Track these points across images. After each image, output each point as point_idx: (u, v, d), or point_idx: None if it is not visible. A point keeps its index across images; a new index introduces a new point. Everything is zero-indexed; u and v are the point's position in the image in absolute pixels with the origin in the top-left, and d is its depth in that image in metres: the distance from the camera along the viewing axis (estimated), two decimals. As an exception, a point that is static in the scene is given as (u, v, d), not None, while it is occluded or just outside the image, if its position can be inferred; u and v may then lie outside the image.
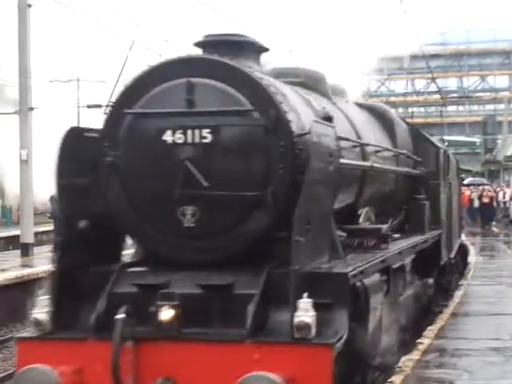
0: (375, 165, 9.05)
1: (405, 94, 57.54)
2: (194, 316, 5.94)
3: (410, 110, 53.78)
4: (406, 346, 9.20)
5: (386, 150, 10.17)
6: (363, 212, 8.77)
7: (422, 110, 57.49)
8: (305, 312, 5.69)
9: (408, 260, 9.29)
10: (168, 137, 6.46)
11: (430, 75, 39.12)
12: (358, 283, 6.46)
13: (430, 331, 10.05)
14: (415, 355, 8.66)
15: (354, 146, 8.48)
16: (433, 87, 49.07)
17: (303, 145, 6.36)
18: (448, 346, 9.16)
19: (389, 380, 7.62)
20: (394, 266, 8.27)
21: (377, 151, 9.57)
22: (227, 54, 6.79)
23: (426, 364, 8.31)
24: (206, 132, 6.39)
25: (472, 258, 19.91)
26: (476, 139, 54.15)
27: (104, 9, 38.80)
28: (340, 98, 9.58)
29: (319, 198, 6.43)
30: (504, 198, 36.56)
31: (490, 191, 37.41)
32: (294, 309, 5.70)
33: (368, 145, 9.03)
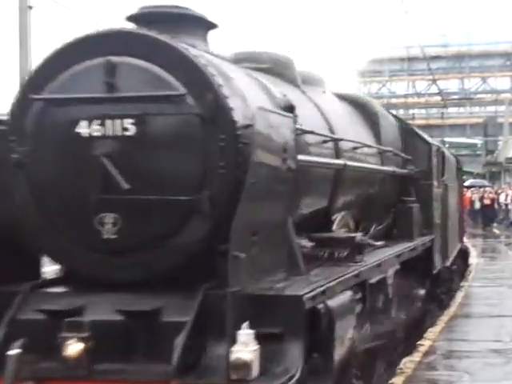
0: (350, 163, 7.77)
1: (406, 96, 57.62)
2: (111, 349, 4.75)
3: (410, 111, 53.90)
4: (392, 368, 8.32)
5: (366, 146, 8.90)
6: (337, 218, 7.67)
7: (423, 111, 57.45)
8: (244, 346, 4.52)
9: (391, 272, 7.99)
10: (83, 129, 5.29)
11: (431, 77, 39.13)
12: (320, 305, 5.23)
13: (431, 333, 10.06)
14: (416, 357, 8.67)
15: (325, 141, 7.28)
16: (434, 89, 49.11)
17: (250, 138, 5.19)
18: (449, 348, 9.17)
19: (390, 381, 7.62)
20: (372, 281, 7.03)
21: (355, 148, 8.38)
22: (167, 30, 5.61)
23: (426, 365, 8.32)
24: (128, 123, 5.25)
25: (473, 259, 19.92)
26: (477, 141, 54.14)
27: (103, 9, 38.92)
28: (314, 87, 8.42)
29: (269, 203, 5.28)
30: (506, 200, 36.53)
31: (491, 193, 37.43)
32: (232, 342, 4.54)
33: (341, 140, 7.75)
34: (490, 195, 36.79)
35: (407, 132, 11.45)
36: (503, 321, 10.84)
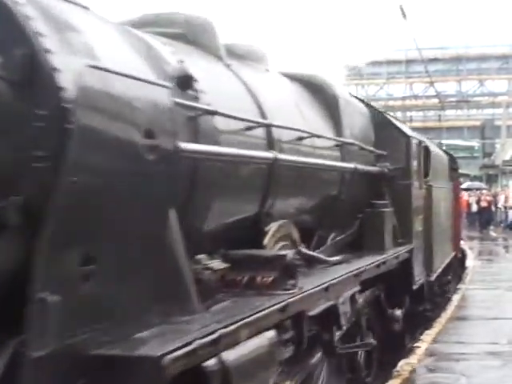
0: (284, 156, 5.95)
1: (403, 98, 57.62)
2: None
3: (408, 114, 53.90)
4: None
5: (315, 136, 7.00)
6: (271, 229, 5.87)
7: (420, 114, 57.49)
8: None
9: (346, 296, 6.50)
10: None
11: (428, 79, 39.15)
12: (210, 362, 3.65)
13: (428, 335, 10.06)
14: (413, 359, 8.67)
15: (250, 128, 5.58)
16: (431, 91, 49.14)
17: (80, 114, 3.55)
18: (445, 350, 9.17)
19: (386, 384, 7.61)
20: (312, 313, 5.55)
21: (300, 138, 6.61)
22: None
23: (423, 368, 8.32)
24: None
25: (470, 262, 19.94)
26: (474, 143, 54.12)
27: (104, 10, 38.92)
28: (251, 63, 6.74)
29: (117, 212, 3.60)
30: (506, 202, 36.48)
31: (488, 195, 37.45)
32: None
33: (271, 126, 5.94)
34: (487, 198, 36.80)
35: (381, 122, 9.88)
36: (500, 323, 10.86)
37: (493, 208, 36.82)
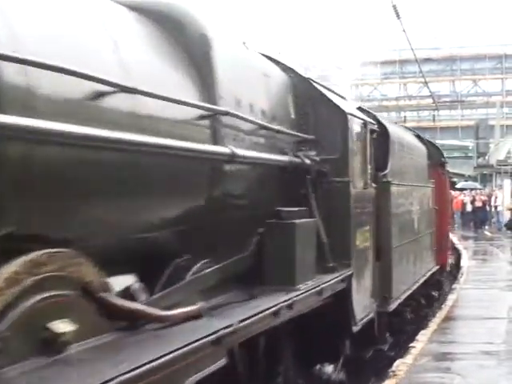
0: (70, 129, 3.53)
1: (397, 99, 57.66)
2: None
3: (402, 114, 53.93)
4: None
5: (138, 93, 4.19)
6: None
7: (414, 114, 57.52)
8: None
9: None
10: None
11: (422, 79, 39.16)
12: None
13: (423, 335, 10.08)
14: (408, 359, 8.69)
15: None
16: (425, 91, 49.16)
17: None
18: (441, 350, 9.20)
19: (382, 384, 7.58)
20: None
21: (100, 96, 3.92)
22: None
23: (419, 368, 8.34)
24: None
25: (465, 261, 19.97)
26: (468, 143, 54.15)
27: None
28: None
29: None
30: (495, 202, 36.51)
31: (482, 195, 37.50)
32: None
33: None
34: (482, 197, 36.84)
35: (307, 94, 7.28)
36: (495, 323, 10.88)
37: (487, 208, 36.85)
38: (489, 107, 55.14)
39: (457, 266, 19.01)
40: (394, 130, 10.23)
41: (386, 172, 9.14)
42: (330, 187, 7.20)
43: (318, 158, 7.03)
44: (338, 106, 7.37)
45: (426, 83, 37.81)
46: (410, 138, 12.07)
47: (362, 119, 8.00)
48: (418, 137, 13.76)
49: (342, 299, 7.02)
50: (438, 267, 13.99)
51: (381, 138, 9.03)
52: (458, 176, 40.73)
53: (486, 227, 35.33)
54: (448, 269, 16.60)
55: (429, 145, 14.42)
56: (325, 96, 7.43)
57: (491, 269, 18.50)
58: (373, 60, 54.68)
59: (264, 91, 6.44)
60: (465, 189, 40.10)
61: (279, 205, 6.11)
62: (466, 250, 22.86)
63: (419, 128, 46.96)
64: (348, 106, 7.85)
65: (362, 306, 7.66)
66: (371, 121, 8.58)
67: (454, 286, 15.34)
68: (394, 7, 17.97)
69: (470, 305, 12.81)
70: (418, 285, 11.30)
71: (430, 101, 43.31)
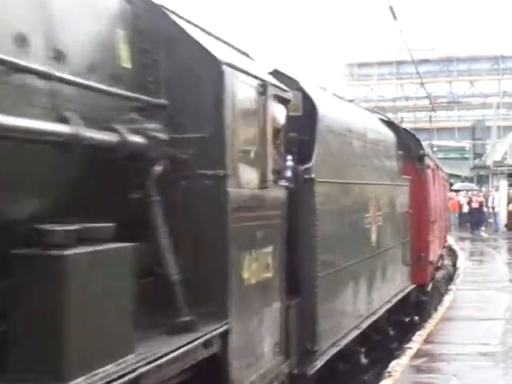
0: None
1: (394, 100, 57.69)
2: None
3: (399, 115, 53.98)
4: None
5: None
6: None
7: (411, 115, 57.55)
8: None
9: None
10: None
11: (419, 80, 39.17)
12: None
13: (419, 336, 10.07)
14: (404, 360, 8.68)
15: None
16: (422, 92, 49.20)
17: None
18: (437, 351, 9.18)
19: (378, 385, 7.51)
20: None
21: None
22: None
23: (414, 369, 8.33)
24: None
25: (461, 263, 19.97)
26: (465, 144, 54.23)
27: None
28: None
29: None
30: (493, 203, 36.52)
31: (479, 196, 37.50)
32: None
33: None
34: (478, 199, 36.85)
35: (156, 29, 4.64)
36: (491, 324, 10.87)
37: (484, 209, 36.85)
38: (485, 108, 55.22)
39: (453, 267, 19.02)
40: (329, 107, 7.60)
41: (308, 166, 6.47)
42: (193, 185, 4.58)
43: (167, 137, 4.43)
44: (208, 52, 4.68)
45: (422, 84, 37.81)
46: (365, 122, 9.27)
47: (257, 78, 5.19)
48: (389, 123, 11.48)
49: (214, 369, 4.51)
50: (414, 286, 11.49)
51: (308, 109, 6.88)
52: (454, 177, 40.77)
53: (483, 228, 35.34)
54: (429, 288, 13.55)
55: (404, 133, 12.11)
56: (188, 35, 4.71)
57: (488, 270, 18.51)
58: (370, 61, 54.87)
59: (72, 21, 3.88)
60: (460, 190, 40.19)
61: (89, 217, 3.50)
62: (463, 251, 22.86)
63: (416, 129, 47.02)
64: (219, 52, 4.88)
65: (256, 372, 5.10)
66: (279, 85, 5.77)
67: (450, 287, 15.33)
68: (391, 8, 17.95)
69: (466, 306, 12.79)
70: (376, 316, 8.73)
71: (427, 102, 43.31)
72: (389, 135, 10.41)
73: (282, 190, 5.82)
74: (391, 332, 10.25)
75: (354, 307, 7.82)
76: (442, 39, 59.01)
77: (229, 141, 4.75)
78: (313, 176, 6.50)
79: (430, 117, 47.38)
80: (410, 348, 9.33)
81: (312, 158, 6.61)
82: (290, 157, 6.38)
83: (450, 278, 17.25)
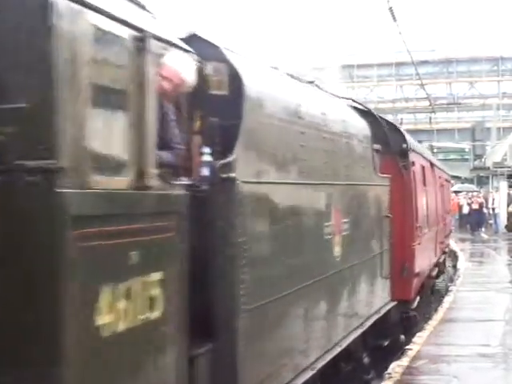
0: None
1: (394, 101, 57.69)
2: None
3: (399, 116, 54.00)
4: None
5: None
6: None
7: (411, 116, 57.56)
8: None
9: None
10: None
11: (419, 82, 39.18)
12: None
13: (420, 337, 10.06)
14: (404, 361, 8.68)
15: None
16: (422, 94, 49.21)
17: None
18: (437, 352, 9.18)
19: (378, 386, 7.47)
20: None
21: None
22: None
23: (415, 370, 8.33)
24: None
25: (461, 264, 19.97)
26: (465, 145, 54.25)
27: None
28: None
29: None
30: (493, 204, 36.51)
31: (479, 197, 37.51)
32: None
33: None
34: (478, 200, 36.84)
35: None
36: (491, 325, 10.87)
37: (484, 210, 36.85)
38: (485, 109, 55.23)
39: (454, 268, 19.03)
40: (266, 85, 5.87)
41: (226, 160, 4.85)
42: (8, 183, 3.13)
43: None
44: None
45: (422, 85, 37.83)
46: (327, 108, 7.46)
47: (130, 26, 3.75)
48: (365, 112, 10.07)
49: None
50: (394, 303, 9.81)
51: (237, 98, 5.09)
52: (454, 178, 40.76)
53: (483, 229, 35.34)
54: (415, 304, 11.83)
55: (383, 123, 10.69)
56: None
57: (488, 271, 18.50)
58: (369, 62, 54.87)
59: None
60: (460, 191, 40.20)
61: None
62: (463, 253, 22.86)
63: (416, 130, 47.04)
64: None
65: None
66: (174, 41, 4.39)
67: (450, 289, 15.34)
68: (391, 10, 17.96)
69: (466, 307, 12.80)
70: (339, 348, 7.14)
71: (427, 103, 43.34)
72: (361, 126, 8.73)
73: (181, 192, 4.21)
74: (365, 360, 8.69)
75: (304, 343, 6.17)
76: (442, 40, 59.18)
77: (65, 114, 3.13)
78: (233, 175, 4.80)
79: (430, 118, 47.38)
80: (410, 349, 9.33)
81: (233, 149, 4.87)
82: (207, 149, 4.81)
83: (449, 279, 17.24)
